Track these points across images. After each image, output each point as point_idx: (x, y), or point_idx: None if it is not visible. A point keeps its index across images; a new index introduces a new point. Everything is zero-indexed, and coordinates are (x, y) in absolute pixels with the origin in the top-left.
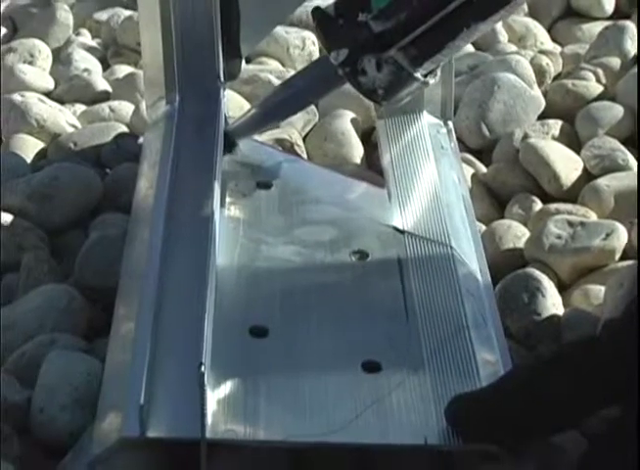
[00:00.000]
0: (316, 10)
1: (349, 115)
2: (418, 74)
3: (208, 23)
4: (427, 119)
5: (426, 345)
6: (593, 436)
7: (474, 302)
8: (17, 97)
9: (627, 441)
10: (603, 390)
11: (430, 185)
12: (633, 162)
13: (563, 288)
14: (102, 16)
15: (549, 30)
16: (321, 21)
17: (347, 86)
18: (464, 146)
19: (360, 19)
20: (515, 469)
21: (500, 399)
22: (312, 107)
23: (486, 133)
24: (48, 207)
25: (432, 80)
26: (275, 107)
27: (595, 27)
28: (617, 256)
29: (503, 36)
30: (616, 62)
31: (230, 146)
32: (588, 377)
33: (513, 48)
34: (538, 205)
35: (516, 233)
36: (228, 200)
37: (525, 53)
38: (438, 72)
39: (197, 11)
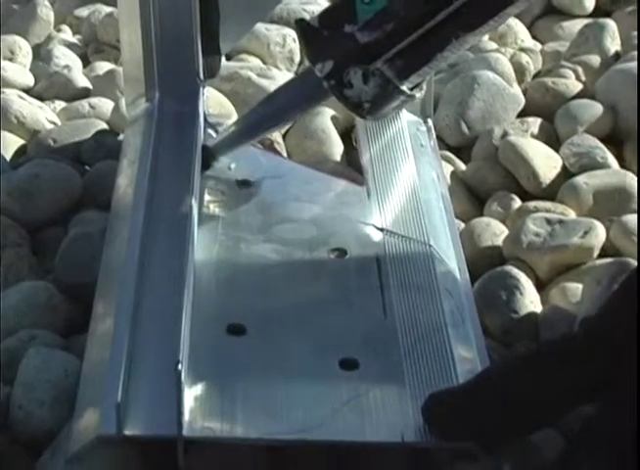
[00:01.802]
0: (300, 21)
1: (329, 112)
2: (404, 87)
3: (188, 20)
4: (406, 117)
5: (403, 342)
6: (571, 435)
7: (452, 299)
8: None
9: (606, 438)
10: (579, 387)
11: (409, 183)
12: (612, 159)
13: (541, 286)
14: (82, 12)
15: (529, 28)
16: (305, 32)
17: None
18: (443, 144)
19: (346, 30)
20: (491, 466)
21: (477, 397)
22: None
23: (466, 131)
24: (28, 204)
25: (418, 94)
26: (257, 122)
27: (575, 25)
28: (595, 253)
29: None
30: (595, 60)
31: (209, 163)
32: (564, 375)
33: (493, 46)
34: (517, 202)
35: (494, 231)
36: (207, 198)
37: (505, 51)
38: (424, 86)
39: (176, 8)
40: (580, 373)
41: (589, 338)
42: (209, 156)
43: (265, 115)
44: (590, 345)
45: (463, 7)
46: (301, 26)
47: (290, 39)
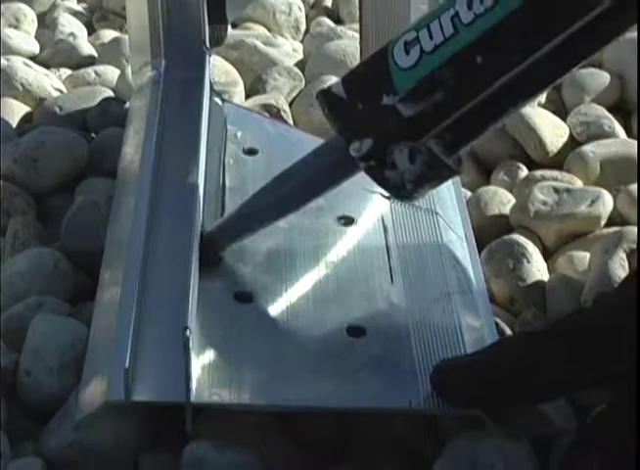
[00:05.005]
0: (325, 93)
1: (336, 81)
2: (450, 163)
3: None
4: None
5: (411, 310)
6: (581, 425)
7: (459, 268)
8: (2, 61)
9: (621, 425)
10: (591, 366)
11: None
12: (619, 129)
13: (548, 254)
14: None
15: None
16: (334, 106)
17: (334, 47)
18: None
19: (385, 102)
20: (499, 435)
21: (486, 366)
22: (298, 71)
23: None
24: (34, 171)
25: (461, 168)
26: (270, 205)
27: None
28: (603, 222)
29: None
30: None
31: (218, 256)
32: (576, 352)
33: None
34: (524, 171)
35: (501, 199)
36: (214, 166)
37: None
38: (463, 159)
39: None
40: (593, 352)
41: (605, 318)
42: (216, 247)
43: (281, 196)
44: (606, 325)
45: (522, 73)
46: (327, 99)
47: (295, 7)
